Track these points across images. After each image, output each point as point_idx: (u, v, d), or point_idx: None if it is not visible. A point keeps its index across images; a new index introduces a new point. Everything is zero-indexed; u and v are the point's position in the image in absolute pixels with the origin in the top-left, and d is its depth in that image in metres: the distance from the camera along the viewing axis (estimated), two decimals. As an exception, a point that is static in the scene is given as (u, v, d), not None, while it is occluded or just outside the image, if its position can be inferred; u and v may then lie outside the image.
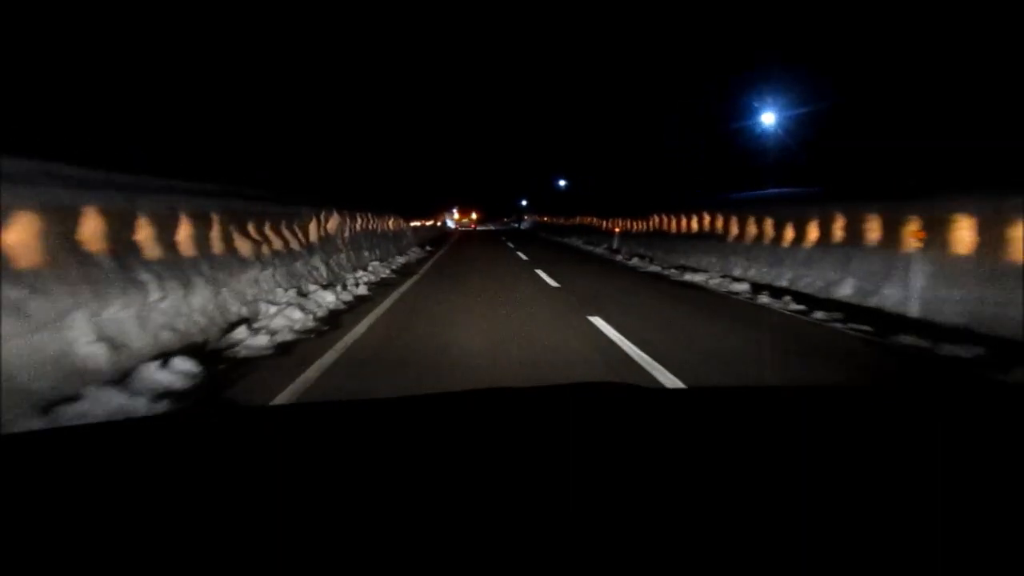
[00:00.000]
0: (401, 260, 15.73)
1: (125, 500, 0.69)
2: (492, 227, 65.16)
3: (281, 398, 3.73)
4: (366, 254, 13.41)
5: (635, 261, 15.93)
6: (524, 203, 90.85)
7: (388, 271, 12.61)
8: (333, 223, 10.97)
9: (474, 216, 56.64)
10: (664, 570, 0.56)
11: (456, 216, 54.18)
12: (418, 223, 27.20)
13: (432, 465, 0.81)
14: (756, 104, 21.69)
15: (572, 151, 58.30)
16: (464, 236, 37.56)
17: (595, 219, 26.52)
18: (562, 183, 59.57)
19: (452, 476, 0.77)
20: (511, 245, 25.21)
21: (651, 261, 15.55)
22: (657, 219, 16.85)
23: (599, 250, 21.13)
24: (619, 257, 17.83)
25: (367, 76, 30.69)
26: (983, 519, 0.64)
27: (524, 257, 17.64)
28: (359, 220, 13.26)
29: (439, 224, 41.53)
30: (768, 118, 21.53)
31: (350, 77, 26.67)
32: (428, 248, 22.04)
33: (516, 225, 68.09)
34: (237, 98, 15.01)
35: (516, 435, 0.95)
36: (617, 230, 21.03)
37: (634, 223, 19.53)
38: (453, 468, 0.80)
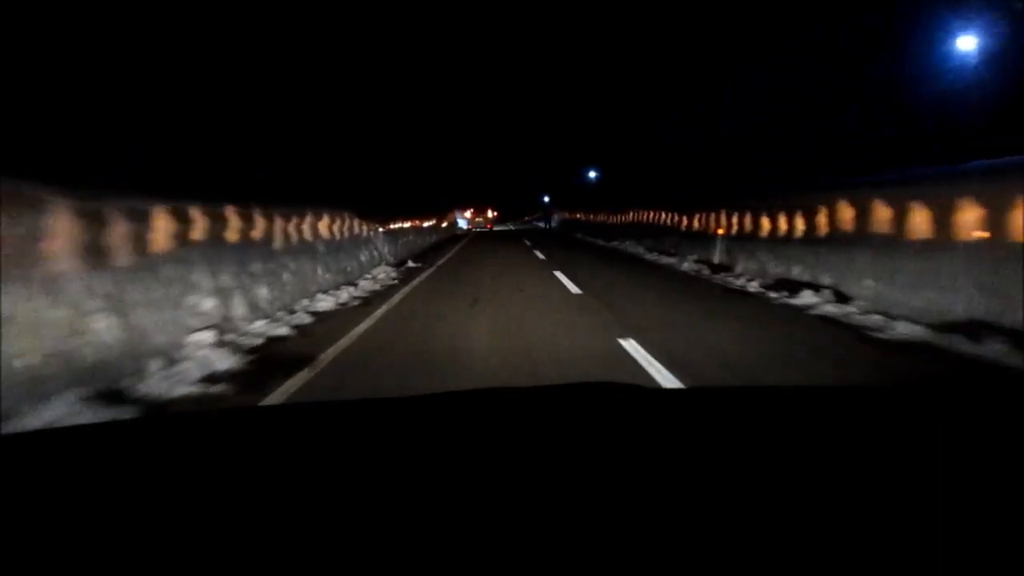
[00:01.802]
0: (324, 304, 7.64)
1: (116, 502, 0.69)
2: (511, 227, 56.27)
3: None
4: (206, 306, 5.39)
5: (809, 298, 7.63)
6: (546, 199, 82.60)
7: (227, 362, 4.58)
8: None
9: (490, 214, 47.28)
10: (664, 571, 0.55)
11: (468, 215, 45.34)
12: (407, 224, 19.28)
13: (430, 465, 0.79)
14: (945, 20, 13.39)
15: (604, 137, 50.77)
16: (477, 239, 29.43)
17: (664, 215, 18.05)
18: (592, 175, 51.61)
19: (450, 477, 0.75)
20: (541, 256, 17.05)
21: (845, 300, 7.28)
22: (848, 210, 8.38)
23: (688, 265, 12.85)
24: (752, 284, 9.46)
25: (370, 69, 26.45)
26: (985, 519, 0.62)
27: (574, 288, 9.37)
28: (163, 224, 5.17)
29: (446, 225, 33.34)
30: (967, 43, 13.16)
31: (351, 69, 23.30)
32: (411, 264, 13.98)
33: (544, 224, 58.03)
34: (237, 95, 13.68)
35: (515, 435, 0.93)
36: (720, 232, 12.72)
37: (756, 220, 11.20)
38: (451, 468, 0.78)
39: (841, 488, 0.70)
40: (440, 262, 15.24)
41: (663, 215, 18.21)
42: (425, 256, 17.22)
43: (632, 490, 0.70)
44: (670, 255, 14.99)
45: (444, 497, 0.68)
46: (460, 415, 1.06)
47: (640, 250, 18.05)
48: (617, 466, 0.77)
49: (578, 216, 37.94)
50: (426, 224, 25.11)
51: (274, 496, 0.69)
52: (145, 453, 0.86)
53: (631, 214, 22.58)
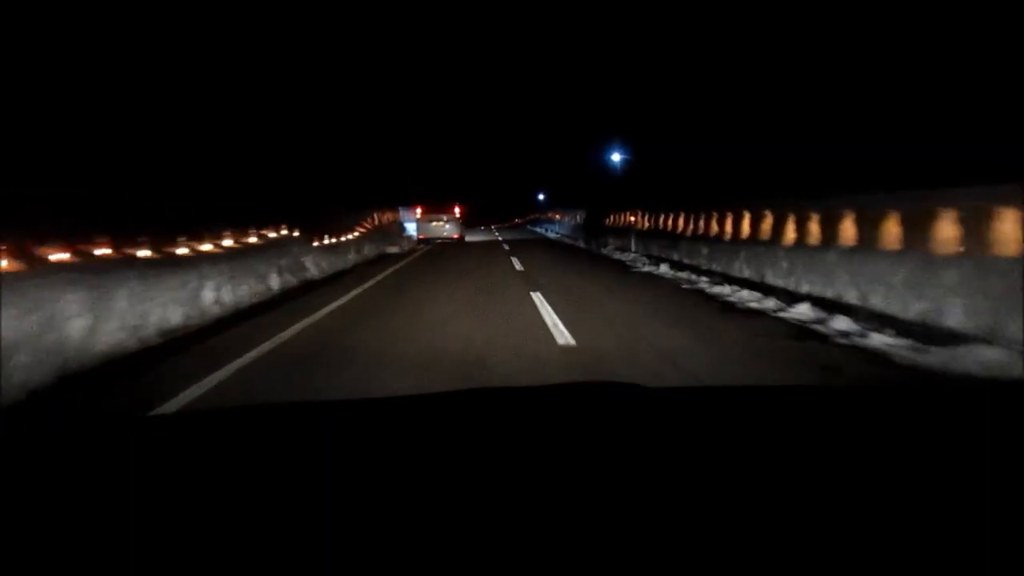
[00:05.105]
0: None
1: (112, 501, 0.67)
2: (498, 235, 39.11)
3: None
4: None
5: None
6: (541, 197, 66.23)
7: None
8: None
9: (457, 212, 27.33)
10: (663, 570, 0.55)
11: (418, 214, 26.95)
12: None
13: (430, 466, 0.78)
14: None
15: (628, 112, 34.58)
16: (417, 279, 12.91)
17: None
18: (616, 157, 35.33)
19: (450, 477, 0.74)
20: None
21: None
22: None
23: None
24: None
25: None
26: (983, 518, 0.62)
27: None
28: None
29: (357, 236, 16.92)
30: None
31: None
32: None
33: (580, 232, 33.54)
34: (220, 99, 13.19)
35: (513, 434, 0.91)
36: None
37: None
38: (451, 469, 0.77)
39: (838, 487, 0.70)
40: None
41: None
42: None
43: (631, 490, 0.69)
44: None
45: (444, 497, 0.67)
46: (459, 414, 1.03)
47: None
48: (615, 465, 0.77)
49: (632, 220, 21.41)
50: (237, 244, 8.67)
51: (270, 498, 0.68)
52: (132, 454, 0.83)
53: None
